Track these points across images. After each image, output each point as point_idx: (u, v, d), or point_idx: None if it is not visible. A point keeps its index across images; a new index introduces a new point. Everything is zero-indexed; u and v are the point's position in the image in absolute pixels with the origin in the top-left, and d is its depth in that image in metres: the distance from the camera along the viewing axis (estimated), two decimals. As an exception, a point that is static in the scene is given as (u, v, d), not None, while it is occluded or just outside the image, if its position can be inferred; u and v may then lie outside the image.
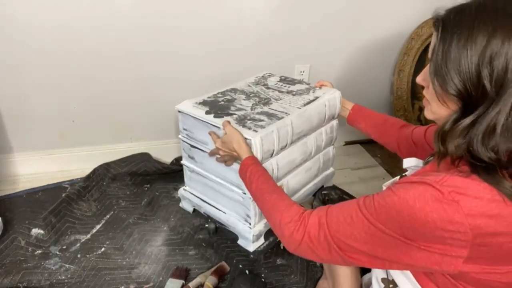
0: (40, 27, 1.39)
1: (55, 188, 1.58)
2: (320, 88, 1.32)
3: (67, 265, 1.23)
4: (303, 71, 1.78)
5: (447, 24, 0.63)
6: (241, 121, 1.13)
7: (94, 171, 1.60)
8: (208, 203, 1.34)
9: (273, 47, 1.67)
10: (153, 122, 1.72)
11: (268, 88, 1.36)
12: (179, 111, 1.23)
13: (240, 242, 1.27)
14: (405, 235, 0.62)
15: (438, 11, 0.66)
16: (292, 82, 1.39)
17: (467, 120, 0.61)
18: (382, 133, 1.15)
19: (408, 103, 1.91)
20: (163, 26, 1.51)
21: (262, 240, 1.24)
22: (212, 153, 1.17)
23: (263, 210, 0.91)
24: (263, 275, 1.24)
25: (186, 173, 1.37)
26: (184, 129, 1.26)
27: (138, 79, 1.60)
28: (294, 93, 1.30)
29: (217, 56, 1.62)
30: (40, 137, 1.63)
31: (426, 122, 1.96)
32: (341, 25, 1.72)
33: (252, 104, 1.24)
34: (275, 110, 1.19)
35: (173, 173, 1.64)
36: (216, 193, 1.29)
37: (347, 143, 2.03)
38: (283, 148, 1.15)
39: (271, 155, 1.13)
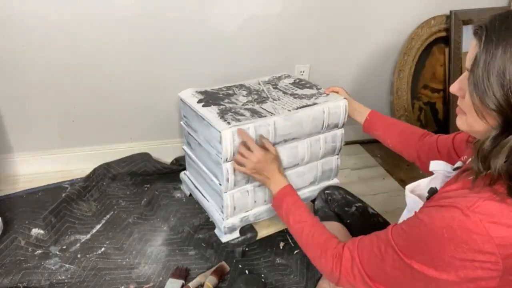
0: (40, 27, 1.39)
1: (55, 188, 1.58)
2: (327, 94, 1.28)
3: (67, 265, 1.23)
4: (303, 71, 1.78)
5: (492, 33, 0.59)
6: (223, 112, 1.14)
7: (94, 171, 1.60)
8: (198, 190, 1.38)
9: (274, 47, 1.67)
10: (153, 122, 1.72)
11: (275, 88, 1.35)
12: (180, 99, 1.29)
13: (216, 231, 1.28)
14: (435, 266, 0.61)
15: (481, 19, 0.62)
16: (304, 85, 1.36)
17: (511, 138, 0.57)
18: (402, 142, 1.10)
19: (408, 103, 1.91)
20: (163, 26, 1.51)
21: (237, 234, 1.24)
22: (237, 160, 1.08)
23: (301, 244, 0.90)
24: (263, 275, 1.24)
25: (186, 159, 1.44)
26: (184, 115, 1.32)
27: (138, 79, 1.60)
28: (296, 96, 1.28)
29: (218, 57, 1.62)
30: (40, 137, 1.63)
31: (426, 122, 1.96)
32: (341, 25, 1.72)
33: (247, 101, 1.24)
34: (264, 109, 1.18)
35: (173, 173, 1.64)
36: (203, 181, 1.33)
37: (347, 143, 2.03)
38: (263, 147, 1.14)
39: None
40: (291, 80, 1.41)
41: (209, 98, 1.24)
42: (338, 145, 1.31)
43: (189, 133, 1.32)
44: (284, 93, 1.31)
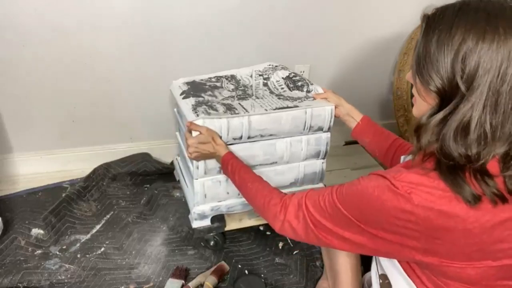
0: (40, 27, 1.39)
1: (55, 188, 1.58)
2: (314, 99, 1.24)
3: (67, 265, 1.24)
4: (303, 71, 1.78)
5: (431, 20, 0.65)
6: (198, 104, 1.17)
7: (94, 171, 1.60)
8: (183, 175, 1.43)
9: (274, 47, 1.67)
10: (153, 122, 1.72)
11: (265, 85, 1.34)
12: (170, 89, 1.35)
13: (189, 217, 1.30)
14: (366, 221, 0.68)
15: (428, 8, 0.68)
16: (295, 83, 1.33)
17: (440, 115, 0.63)
18: (388, 155, 1.11)
19: (408, 103, 1.90)
20: (163, 25, 1.51)
21: (208, 222, 1.26)
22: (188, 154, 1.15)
23: (248, 198, 0.98)
24: (262, 275, 1.24)
25: (178, 145, 1.49)
26: (176, 103, 1.35)
27: (138, 79, 1.60)
28: (281, 97, 1.26)
29: (217, 56, 1.62)
30: (40, 137, 1.63)
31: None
32: (341, 25, 1.72)
33: (229, 96, 1.26)
34: (242, 106, 1.20)
35: (173, 173, 1.65)
36: (185, 166, 1.37)
37: (347, 143, 2.03)
38: (236, 139, 1.14)
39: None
40: (286, 73, 1.37)
41: (192, 89, 1.26)
42: (323, 149, 1.27)
43: (178, 120, 1.38)
44: (271, 92, 1.31)
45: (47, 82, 1.51)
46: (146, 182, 1.63)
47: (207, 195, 1.21)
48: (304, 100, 1.24)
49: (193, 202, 1.25)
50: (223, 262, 1.25)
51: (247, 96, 1.27)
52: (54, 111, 1.58)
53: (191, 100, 1.19)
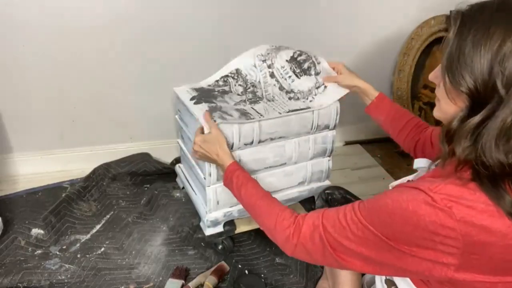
0: (40, 26, 1.39)
1: (55, 188, 1.58)
2: (326, 87, 1.21)
3: (67, 265, 1.24)
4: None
5: (466, 18, 0.62)
6: (212, 109, 1.15)
7: (94, 171, 1.60)
8: (189, 183, 1.41)
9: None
10: (153, 122, 1.72)
11: (272, 75, 1.27)
12: (175, 94, 1.32)
13: (200, 224, 1.30)
14: (397, 238, 0.62)
15: (460, 6, 0.65)
16: (302, 70, 1.24)
17: (475, 119, 0.59)
18: (403, 135, 1.08)
19: (408, 103, 1.91)
20: (163, 25, 1.51)
21: (220, 228, 1.25)
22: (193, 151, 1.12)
23: (255, 216, 0.90)
24: (262, 275, 1.24)
25: (180, 152, 1.47)
26: (178, 110, 1.36)
27: (138, 79, 1.60)
28: (291, 96, 1.24)
29: (217, 55, 1.62)
30: (40, 137, 1.63)
31: (426, 122, 1.96)
32: (341, 25, 1.72)
33: (240, 100, 1.23)
34: (255, 110, 1.17)
35: (173, 173, 1.65)
36: (192, 174, 1.35)
37: (347, 143, 2.03)
38: (248, 144, 1.15)
39: (231, 148, 1.13)
40: (289, 54, 1.26)
41: (202, 95, 1.24)
42: (329, 147, 1.29)
43: (182, 127, 1.35)
44: (281, 88, 1.26)
45: (47, 82, 1.51)
46: (146, 182, 1.63)
47: (220, 201, 1.21)
48: (316, 94, 1.21)
49: (204, 209, 1.24)
50: (223, 262, 1.25)
51: (258, 99, 1.23)
52: (54, 111, 1.58)
53: (204, 106, 1.17)
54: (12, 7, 1.34)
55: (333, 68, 1.24)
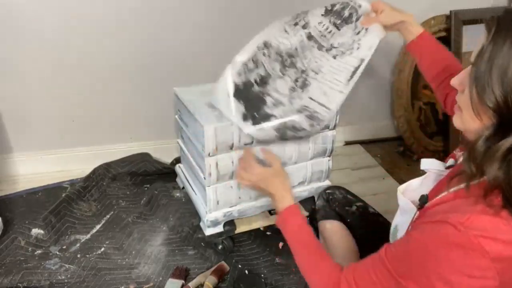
0: (40, 27, 1.39)
1: (55, 188, 1.58)
2: (367, 29, 1.01)
3: (67, 265, 1.23)
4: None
5: (503, 26, 0.56)
6: (278, 131, 1.02)
7: (94, 171, 1.60)
8: (189, 183, 1.41)
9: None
10: (153, 122, 1.72)
11: (309, 37, 1.04)
12: (175, 94, 1.30)
13: (200, 224, 1.30)
14: (433, 285, 0.57)
15: (495, 12, 0.59)
16: (342, 20, 1.02)
17: (509, 141, 0.54)
18: (438, 81, 0.98)
19: (408, 103, 1.90)
20: (164, 25, 1.51)
21: (220, 228, 1.25)
22: (239, 177, 1.04)
23: (300, 265, 0.86)
24: (262, 275, 1.24)
25: (180, 152, 1.46)
26: (178, 110, 1.35)
27: (139, 79, 1.60)
28: (334, 53, 1.02)
29: (218, 55, 1.62)
30: (40, 137, 1.63)
31: (426, 122, 1.96)
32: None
33: (289, 89, 1.03)
34: (317, 102, 1.01)
35: (173, 173, 1.65)
36: (192, 174, 1.35)
37: (347, 143, 2.03)
38: (248, 144, 1.15)
39: (231, 148, 1.13)
40: (322, 11, 1.04)
41: (247, 105, 1.06)
42: (329, 147, 1.29)
43: (182, 127, 1.35)
44: (320, 47, 1.03)
45: (47, 82, 1.51)
46: (146, 182, 1.63)
47: (220, 201, 1.21)
48: (360, 40, 1.01)
49: (204, 209, 1.25)
50: (223, 262, 1.25)
51: (304, 76, 1.03)
52: (54, 111, 1.58)
53: (266, 125, 1.04)
54: (12, 7, 1.34)
55: (373, 8, 1.04)
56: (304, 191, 1.34)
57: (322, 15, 1.04)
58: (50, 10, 1.37)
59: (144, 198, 1.54)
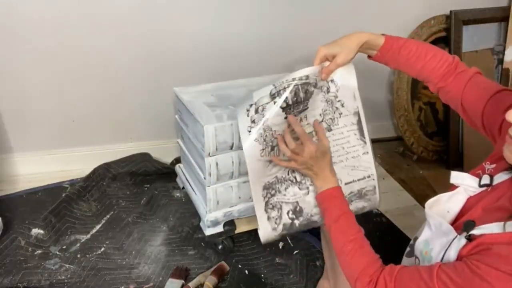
0: (40, 27, 1.39)
1: (55, 188, 1.58)
2: (332, 81, 0.94)
3: (67, 265, 1.23)
4: (303, 71, 1.78)
5: None
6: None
7: (94, 171, 1.60)
8: (189, 183, 1.41)
9: (274, 47, 1.67)
10: (153, 122, 1.72)
11: (296, 139, 0.92)
12: (175, 94, 1.30)
13: (200, 224, 1.30)
14: None
15: None
16: (301, 103, 0.90)
17: None
18: (419, 76, 0.92)
19: (408, 103, 1.90)
20: (164, 26, 1.51)
21: (220, 228, 1.25)
22: (292, 157, 0.90)
23: (337, 251, 0.82)
24: (262, 275, 1.24)
25: (180, 152, 1.46)
26: (178, 110, 1.35)
27: (139, 79, 1.60)
28: (327, 126, 0.95)
29: (217, 55, 1.63)
30: (40, 137, 1.63)
31: (426, 122, 1.96)
32: (341, 25, 1.71)
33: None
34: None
35: (173, 173, 1.64)
36: (192, 174, 1.35)
37: (347, 143, 2.03)
38: None
39: (231, 148, 1.13)
40: (278, 111, 0.89)
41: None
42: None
43: (182, 127, 1.35)
44: (312, 135, 0.94)
45: (47, 82, 1.51)
46: (146, 182, 1.63)
47: (220, 201, 1.21)
48: (335, 97, 0.94)
49: (204, 209, 1.25)
50: (223, 262, 1.25)
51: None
52: (54, 111, 1.58)
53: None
54: (12, 7, 1.34)
55: (323, 61, 0.96)
56: None
57: (284, 118, 0.90)
58: (50, 10, 1.37)
59: (144, 198, 1.54)
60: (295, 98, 0.88)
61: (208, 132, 1.09)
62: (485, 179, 0.72)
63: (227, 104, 1.20)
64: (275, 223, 0.97)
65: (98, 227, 1.40)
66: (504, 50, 1.87)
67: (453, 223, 0.74)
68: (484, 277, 0.56)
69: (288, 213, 0.96)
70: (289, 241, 1.37)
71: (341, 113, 0.93)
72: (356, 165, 0.95)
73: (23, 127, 1.59)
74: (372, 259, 0.76)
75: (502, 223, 0.61)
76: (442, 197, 0.76)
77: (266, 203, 0.94)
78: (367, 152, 0.95)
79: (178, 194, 1.56)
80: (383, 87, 1.98)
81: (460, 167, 1.85)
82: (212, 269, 1.22)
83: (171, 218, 1.45)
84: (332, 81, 0.93)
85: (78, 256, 1.27)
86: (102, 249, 1.31)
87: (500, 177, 0.71)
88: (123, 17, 1.45)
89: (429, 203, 0.76)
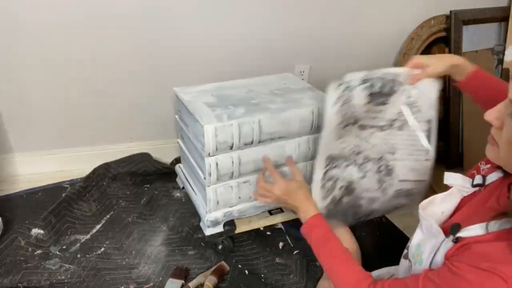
0: (40, 27, 1.39)
1: (55, 188, 1.58)
2: (416, 89, 0.96)
3: (67, 265, 1.23)
4: (303, 71, 1.78)
5: None
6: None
7: (94, 171, 1.60)
8: (189, 183, 1.41)
9: (274, 47, 1.67)
10: (153, 122, 1.72)
11: (363, 128, 1.01)
12: (175, 93, 1.30)
13: (200, 224, 1.30)
14: None
15: None
16: (383, 96, 0.96)
17: None
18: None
19: (408, 103, 1.90)
20: (164, 26, 1.51)
21: (220, 228, 1.26)
22: (259, 194, 1.06)
23: (327, 273, 0.87)
24: (262, 275, 1.24)
25: (180, 152, 1.47)
26: (178, 110, 1.35)
27: (139, 79, 1.60)
28: (399, 125, 0.99)
29: (217, 55, 1.63)
30: (40, 137, 1.63)
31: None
32: (341, 25, 1.72)
33: (377, 182, 1.02)
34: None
35: (173, 173, 1.65)
36: (192, 174, 1.35)
37: (347, 143, 2.03)
38: (248, 144, 1.15)
39: (231, 148, 1.14)
40: (364, 92, 0.94)
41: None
42: None
43: (182, 127, 1.35)
44: (380, 129, 1.00)
45: (47, 82, 1.51)
46: (146, 182, 1.63)
47: (220, 201, 1.21)
48: (415, 105, 0.98)
49: (204, 209, 1.25)
50: (223, 262, 1.25)
51: (383, 163, 1.03)
52: (54, 111, 1.58)
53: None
54: (12, 7, 1.34)
55: (415, 67, 0.97)
56: None
57: (366, 103, 0.96)
58: (51, 10, 1.37)
59: (144, 198, 1.54)
60: (380, 90, 0.94)
61: (208, 132, 1.09)
62: (478, 179, 0.73)
63: (227, 104, 1.21)
64: (326, 193, 1.02)
65: (98, 227, 1.40)
66: (504, 50, 1.87)
67: (447, 223, 0.75)
68: (464, 276, 0.57)
69: (341, 188, 1.02)
70: (289, 241, 1.37)
71: (415, 118, 0.98)
72: (416, 168, 1.00)
73: (23, 127, 1.59)
74: (360, 277, 0.78)
75: (485, 224, 0.62)
76: (436, 198, 0.77)
77: (325, 173, 1.00)
78: (429, 160, 0.99)
79: (178, 194, 1.57)
80: (383, 87, 1.98)
81: (460, 167, 1.85)
82: (212, 269, 1.22)
83: (171, 218, 1.45)
84: (416, 87, 0.97)
85: (78, 256, 1.27)
86: (102, 249, 1.31)
87: (492, 177, 0.71)
88: (123, 17, 1.45)
89: (423, 204, 0.76)
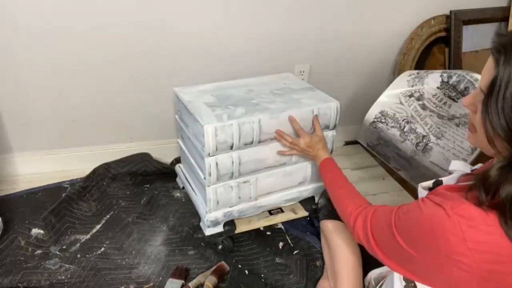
0: (40, 27, 1.39)
1: (55, 188, 1.58)
2: None
3: (67, 265, 1.23)
4: (303, 71, 1.78)
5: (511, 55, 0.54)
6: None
7: (94, 171, 1.60)
8: (189, 183, 1.41)
9: (274, 47, 1.67)
10: (153, 122, 1.72)
11: (423, 107, 1.14)
12: (174, 93, 1.32)
13: (200, 224, 1.30)
14: (421, 252, 0.65)
15: (500, 35, 0.59)
16: (458, 92, 1.06)
17: None
18: None
19: (408, 103, 1.90)
20: (164, 26, 1.51)
21: (220, 228, 1.26)
22: (292, 146, 1.19)
23: (334, 201, 1.03)
24: (262, 275, 1.24)
25: (180, 152, 1.47)
26: (178, 110, 1.36)
27: (139, 79, 1.60)
28: (457, 122, 1.07)
29: (217, 55, 1.63)
30: (40, 137, 1.63)
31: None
32: (341, 25, 1.72)
33: (411, 152, 1.13)
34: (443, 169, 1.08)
35: (173, 173, 1.65)
36: (192, 174, 1.35)
37: (347, 143, 2.03)
38: (248, 144, 1.15)
39: (231, 148, 1.14)
40: (438, 79, 1.09)
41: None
42: (329, 147, 1.30)
43: (182, 127, 1.35)
44: (440, 117, 1.11)
45: (47, 82, 1.51)
46: (146, 182, 1.63)
47: (220, 201, 1.21)
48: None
49: (204, 209, 1.25)
50: (223, 262, 1.25)
51: (425, 141, 1.13)
52: (54, 111, 1.58)
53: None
54: (12, 8, 1.34)
55: None
56: (304, 191, 1.34)
57: (438, 87, 1.10)
58: (51, 10, 1.37)
59: (144, 198, 1.54)
60: (455, 84, 1.06)
61: (208, 132, 1.09)
62: (477, 166, 0.79)
63: (227, 104, 1.21)
64: (370, 134, 1.22)
65: (98, 227, 1.40)
66: (504, 50, 1.87)
67: None
68: (420, 205, 0.67)
69: (380, 138, 1.21)
70: (289, 241, 1.37)
71: None
72: (449, 159, 1.09)
73: (23, 127, 1.59)
74: (354, 198, 0.96)
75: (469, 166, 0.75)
76: (436, 181, 0.83)
77: (373, 122, 1.21)
78: (466, 160, 1.07)
79: (178, 194, 1.57)
80: (383, 87, 1.98)
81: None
82: (212, 269, 1.22)
83: (171, 218, 1.45)
84: None
85: (78, 256, 1.27)
86: (102, 249, 1.31)
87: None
88: (123, 17, 1.45)
89: (422, 184, 0.84)
